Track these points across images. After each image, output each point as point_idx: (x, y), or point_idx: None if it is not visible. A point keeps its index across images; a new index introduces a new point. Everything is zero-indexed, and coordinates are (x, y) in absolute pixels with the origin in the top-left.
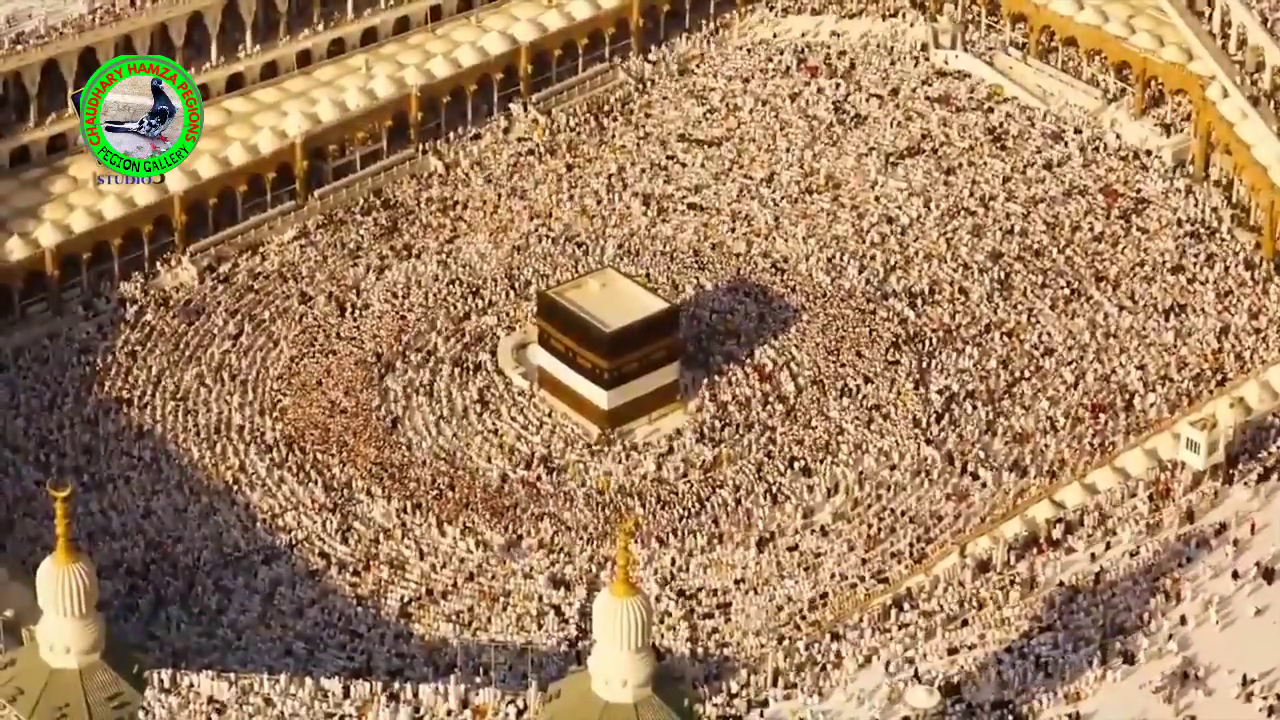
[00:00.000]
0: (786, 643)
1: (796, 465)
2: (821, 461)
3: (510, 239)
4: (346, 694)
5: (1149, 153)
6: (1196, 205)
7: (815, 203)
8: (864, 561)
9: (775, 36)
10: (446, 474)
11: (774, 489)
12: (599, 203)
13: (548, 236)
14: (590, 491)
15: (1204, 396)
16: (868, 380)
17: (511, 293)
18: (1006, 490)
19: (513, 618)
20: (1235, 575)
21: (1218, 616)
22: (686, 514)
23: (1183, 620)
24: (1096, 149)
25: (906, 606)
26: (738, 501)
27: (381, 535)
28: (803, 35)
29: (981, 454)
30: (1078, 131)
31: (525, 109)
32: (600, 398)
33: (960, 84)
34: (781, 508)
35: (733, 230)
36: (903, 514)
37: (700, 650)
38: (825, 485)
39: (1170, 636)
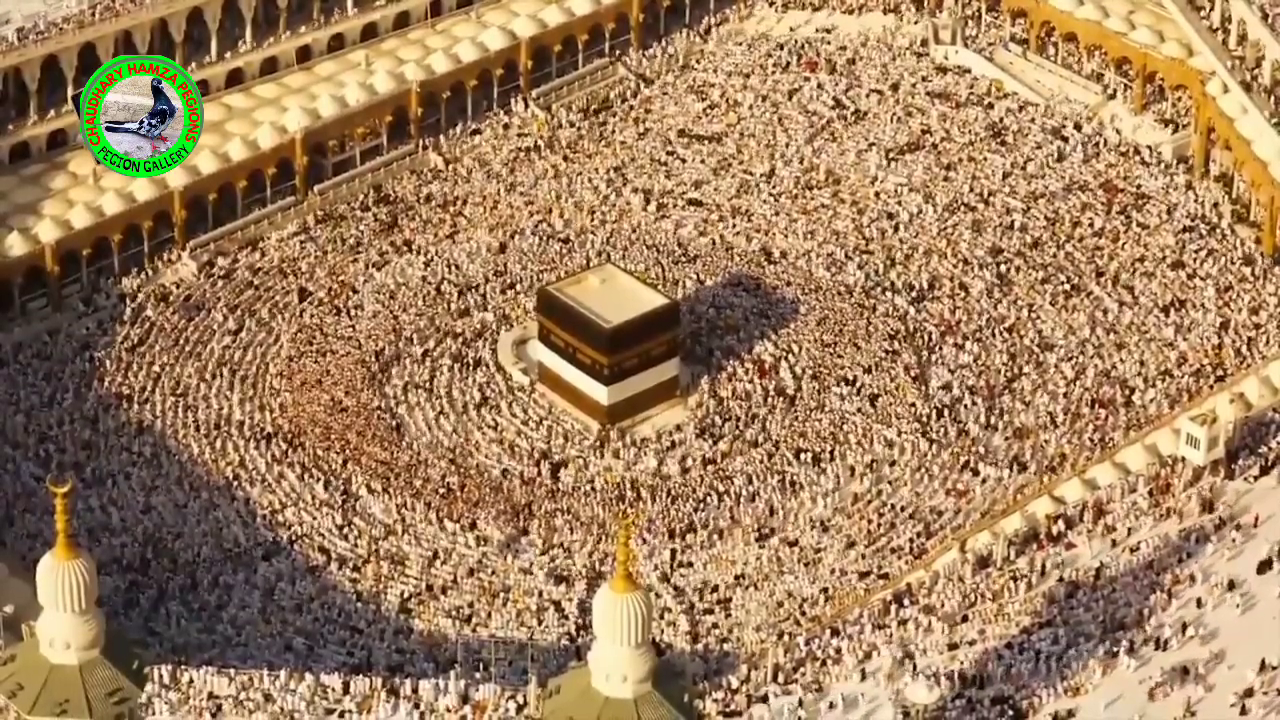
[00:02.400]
0: (786, 638)
1: (803, 457)
2: (832, 453)
3: (510, 235)
4: (346, 690)
5: (1149, 148)
6: (1196, 201)
7: (815, 198)
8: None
9: (779, 32)
10: (455, 472)
11: (786, 480)
12: (601, 199)
13: (547, 233)
14: (601, 487)
15: (1204, 392)
16: (867, 372)
17: (510, 289)
18: (1006, 486)
19: (513, 613)
20: (1231, 584)
21: (1239, 600)
22: (700, 507)
23: (1199, 603)
24: (1096, 144)
25: (907, 602)
26: (753, 495)
27: (385, 532)
28: (803, 31)
29: (981, 449)
30: (1078, 127)
31: (525, 105)
32: (600, 393)
33: (960, 79)
34: (796, 496)
35: (732, 226)
36: (903, 509)
37: (700, 646)
38: (836, 473)
39: (1185, 626)
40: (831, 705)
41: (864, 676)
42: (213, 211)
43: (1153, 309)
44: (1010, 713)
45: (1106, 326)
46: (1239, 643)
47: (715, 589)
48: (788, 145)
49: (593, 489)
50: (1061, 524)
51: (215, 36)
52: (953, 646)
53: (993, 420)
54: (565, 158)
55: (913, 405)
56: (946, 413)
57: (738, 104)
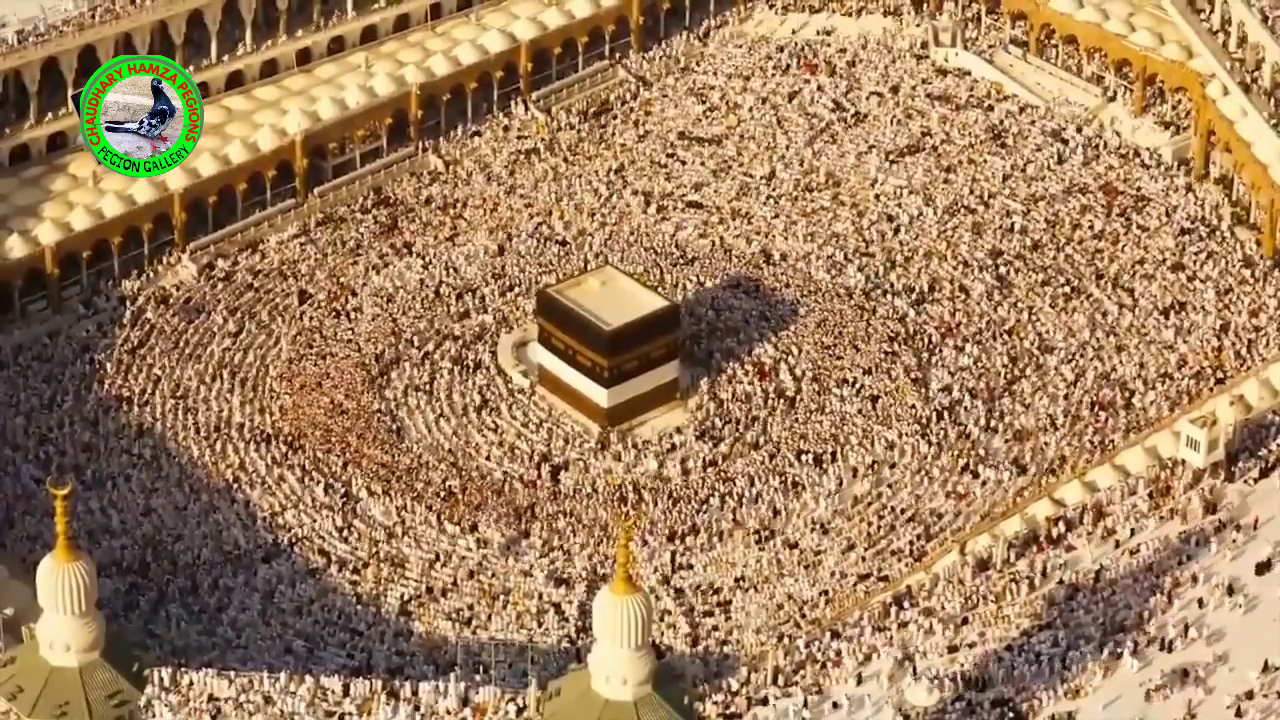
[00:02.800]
0: (786, 640)
1: (803, 459)
2: (834, 455)
3: (509, 237)
4: (346, 692)
5: (1149, 150)
6: (1196, 203)
7: (815, 201)
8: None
9: (780, 35)
10: (456, 475)
11: (787, 482)
12: (601, 201)
13: (547, 235)
14: (603, 488)
15: (1204, 394)
16: (867, 374)
17: (509, 292)
18: (1006, 488)
19: (513, 616)
20: (1231, 587)
21: (1241, 603)
22: (701, 509)
23: (1200, 603)
24: (1096, 147)
25: (907, 604)
26: (755, 498)
27: (385, 534)
28: (803, 33)
29: (981, 452)
30: (1078, 129)
31: (525, 107)
32: (600, 396)
33: (960, 82)
34: (798, 498)
35: (732, 228)
36: (902, 512)
37: (700, 648)
38: (838, 475)
39: (1187, 628)
40: (836, 705)
41: (860, 681)
42: (213, 214)
43: (1153, 311)
44: (1010, 715)
45: (1106, 329)
46: (1240, 645)
47: (718, 590)
48: (788, 148)
49: (594, 490)
50: (1061, 526)
51: (215, 38)
52: (953, 649)
53: (993, 423)
54: (565, 160)
55: (913, 407)
56: (946, 415)
57: (738, 106)
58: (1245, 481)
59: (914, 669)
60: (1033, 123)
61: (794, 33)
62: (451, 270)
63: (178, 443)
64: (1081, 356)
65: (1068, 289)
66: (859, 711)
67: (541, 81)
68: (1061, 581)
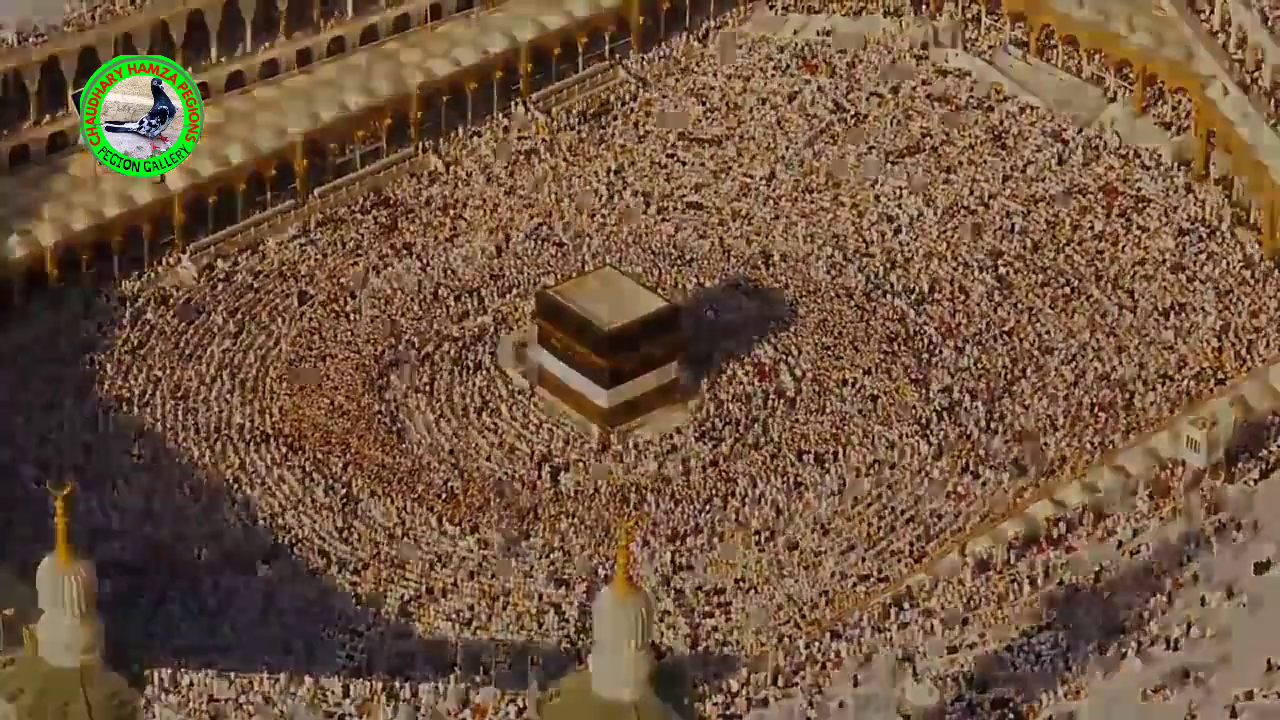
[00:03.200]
0: (786, 641)
1: (804, 459)
2: (836, 455)
3: (509, 238)
4: (346, 693)
5: (1149, 151)
6: (1197, 204)
7: (815, 201)
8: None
9: (779, 35)
10: (458, 476)
11: (789, 482)
12: (601, 202)
13: (546, 236)
14: (604, 489)
15: (1204, 395)
16: (867, 374)
17: (509, 292)
18: (1006, 489)
19: (513, 616)
20: (1231, 587)
21: (1242, 603)
22: (704, 509)
23: (1203, 602)
24: (1096, 148)
25: (906, 605)
26: (759, 498)
27: (385, 535)
28: (803, 34)
29: (981, 453)
30: (1078, 130)
31: (525, 108)
32: (600, 396)
33: (960, 83)
34: (800, 499)
35: (732, 229)
36: (902, 513)
37: (700, 649)
38: (840, 475)
39: (1189, 627)
40: (841, 705)
41: (856, 683)
42: (212, 214)
43: (1152, 312)
44: (1010, 716)
45: (1106, 330)
46: (1240, 645)
47: (721, 591)
48: (787, 148)
49: (596, 491)
50: (1062, 527)
51: (215, 39)
52: (953, 649)
53: (992, 424)
54: (565, 161)
55: (913, 408)
56: (946, 416)
57: (738, 107)
58: (1245, 482)
59: (914, 669)
60: (1033, 123)
61: (795, 34)
62: (453, 271)
63: (178, 443)
64: (1081, 357)
65: (1068, 290)
66: (862, 712)
67: (541, 82)
68: (1061, 582)
